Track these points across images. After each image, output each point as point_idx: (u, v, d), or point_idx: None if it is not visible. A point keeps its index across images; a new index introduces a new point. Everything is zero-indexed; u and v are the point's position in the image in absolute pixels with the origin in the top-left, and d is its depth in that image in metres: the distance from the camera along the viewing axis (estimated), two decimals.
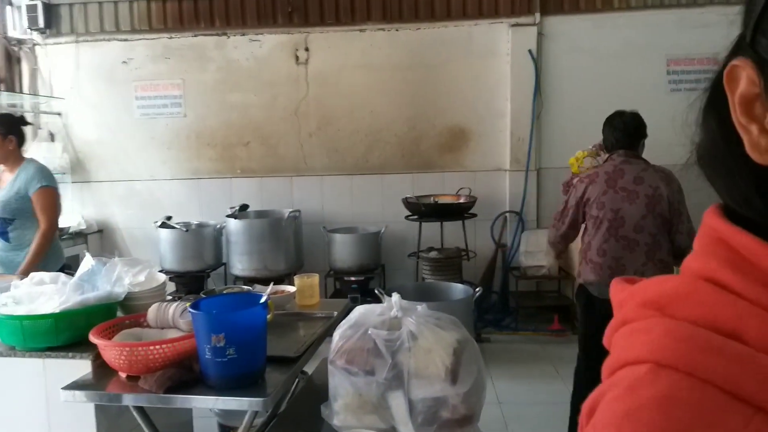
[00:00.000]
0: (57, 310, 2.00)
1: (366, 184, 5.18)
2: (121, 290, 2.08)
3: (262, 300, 1.76)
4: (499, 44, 5.02)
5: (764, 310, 0.39)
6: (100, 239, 5.34)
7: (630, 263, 2.79)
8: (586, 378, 2.88)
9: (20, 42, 5.20)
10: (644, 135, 2.98)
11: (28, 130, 5.18)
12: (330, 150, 5.18)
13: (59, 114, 5.27)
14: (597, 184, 2.89)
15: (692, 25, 4.92)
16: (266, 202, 5.17)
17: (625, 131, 2.93)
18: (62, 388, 1.86)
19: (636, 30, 4.95)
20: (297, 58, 5.11)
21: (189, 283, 4.73)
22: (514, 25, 4.96)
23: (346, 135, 5.16)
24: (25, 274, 2.86)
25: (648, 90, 4.92)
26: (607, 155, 3.39)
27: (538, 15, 4.95)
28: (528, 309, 4.95)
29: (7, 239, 3.18)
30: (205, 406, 1.79)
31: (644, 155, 3.03)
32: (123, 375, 1.89)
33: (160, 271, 4.48)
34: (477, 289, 3.85)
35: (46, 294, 2.08)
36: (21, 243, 3.19)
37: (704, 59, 4.94)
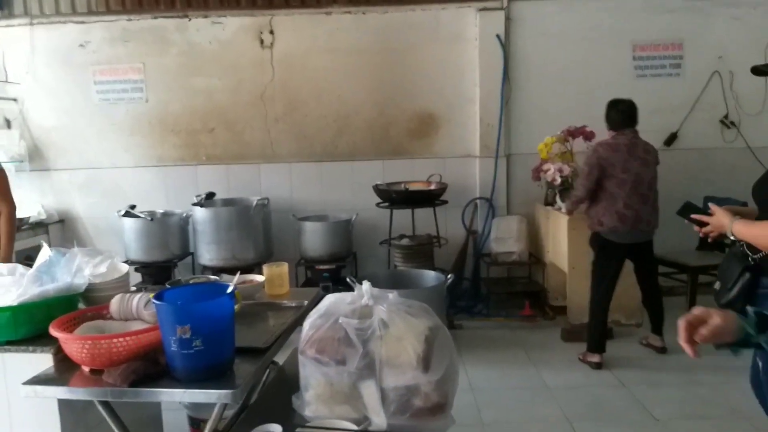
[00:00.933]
0: (15, 303, 1.91)
1: (336, 170, 5.12)
2: (81, 281, 2.00)
3: (229, 290, 1.71)
4: (467, 28, 4.99)
5: None
6: (62, 229, 5.18)
7: (644, 213, 3.73)
8: (604, 302, 3.79)
9: None
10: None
11: None
12: (298, 136, 5.10)
13: (15, 100, 5.08)
14: (619, 152, 3.70)
15: (658, 11, 4.97)
16: (233, 189, 5.08)
17: (629, 114, 3.78)
18: (22, 384, 1.79)
19: (603, 15, 4.97)
20: (262, 41, 5.00)
21: (155, 273, 4.63)
22: (481, 9, 4.93)
23: (313, 120, 5.09)
24: (5, 261, 2.80)
25: (615, 75, 4.96)
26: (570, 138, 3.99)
27: None
28: (499, 295, 4.97)
29: None
30: (171, 399, 1.74)
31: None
32: (86, 369, 1.82)
33: (125, 262, 4.38)
34: (449, 276, 3.84)
35: (4, 286, 1.98)
36: None
37: (669, 45, 5.00)
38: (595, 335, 3.76)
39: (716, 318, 1.29)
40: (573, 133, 4.39)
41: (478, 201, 5.11)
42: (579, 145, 4.38)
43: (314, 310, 1.89)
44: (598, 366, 3.71)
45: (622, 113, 3.77)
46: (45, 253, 2.03)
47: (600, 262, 3.82)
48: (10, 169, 4.86)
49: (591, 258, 3.87)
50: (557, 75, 4.99)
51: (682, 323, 1.30)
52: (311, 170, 5.11)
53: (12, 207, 3.14)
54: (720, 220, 1.94)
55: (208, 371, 1.67)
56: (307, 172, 5.11)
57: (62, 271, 1.99)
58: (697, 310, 1.32)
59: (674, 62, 5.02)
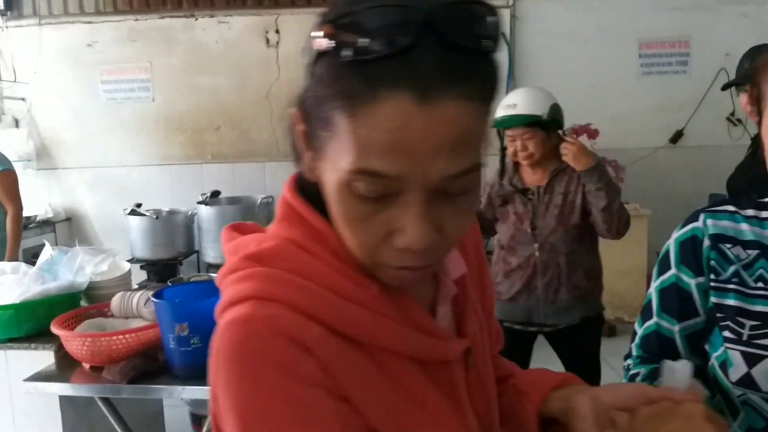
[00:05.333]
0: (17, 301, 1.95)
1: None
2: (82, 280, 2.03)
3: None
4: None
5: (331, 267, 0.60)
6: (69, 228, 5.22)
7: None
8: None
9: None
10: None
11: None
12: None
13: (23, 99, 5.12)
14: None
15: (664, 9, 4.93)
16: (238, 188, 5.10)
17: None
18: (24, 380, 1.82)
19: (609, 13, 4.94)
20: (267, 40, 5.01)
21: (161, 271, 4.65)
22: None
23: None
24: (11, 260, 2.86)
25: (620, 73, 4.93)
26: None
27: None
28: None
29: None
30: (170, 395, 1.76)
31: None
32: (87, 366, 1.85)
33: (131, 260, 4.42)
34: None
35: (6, 284, 2.02)
36: None
37: (675, 42, 4.97)
38: None
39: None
40: (577, 131, 4.37)
41: (483, 198, 5.10)
42: (583, 142, 4.35)
43: None
44: None
45: None
46: (47, 252, 2.06)
47: None
48: (17, 168, 4.95)
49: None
50: (562, 73, 4.97)
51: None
52: None
53: (18, 207, 3.20)
54: None
55: (206, 368, 1.69)
56: None
57: (64, 269, 2.02)
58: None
59: (681, 59, 4.99)
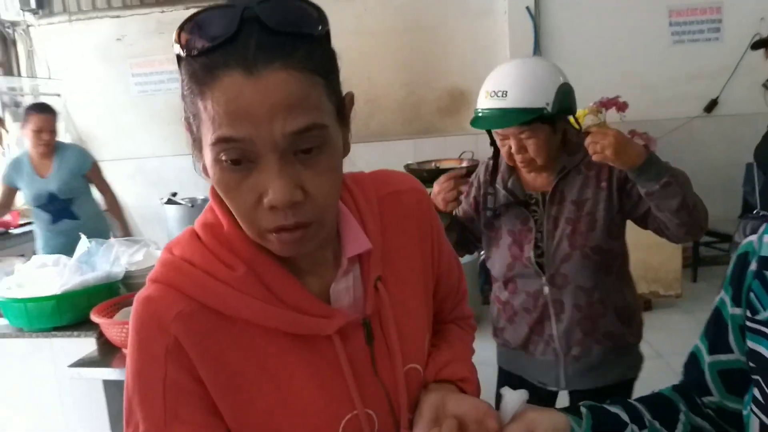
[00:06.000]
0: (58, 292, 2.04)
1: (367, 151, 5.14)
2: (119, 270, 2.11)
3: None
4: (496, 2, 4.92)
5: (210, 252, 0.72)
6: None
7: None
8: None
9: (14, 24, 5.18)
10: None
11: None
12: None
13: (58, 95, 5.27)
14: None
15: None
16: None
17: None
18: (68, 366, 1.92)
19: None
20: None
21: None
22: None
23: None
24: (127, 233, 3.72)
25: (650, 43, 4.82)
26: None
27: None
28: None
29: (76, 217, 3.59)
30: None
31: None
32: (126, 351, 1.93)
33: None
34: (481, 252, 3.84)
35: (48, 276, 2.11)
36: (89, 216, 3.65)
37: (707, 9, 4.82)
38: None
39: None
40: (606, 104, 4.30)
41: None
42: (612, 116, 4.30)
43: None
44: None
45: None
46: (84, 245, 2.15)
47: None
48: None
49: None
50: (590, 46, 4.88)
51: None
52: None
53: (112, 190, 3.82)
54: None
55: None
56: None
57: (101, 260, 2.11)
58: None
59: (713, 26, 4.84)
